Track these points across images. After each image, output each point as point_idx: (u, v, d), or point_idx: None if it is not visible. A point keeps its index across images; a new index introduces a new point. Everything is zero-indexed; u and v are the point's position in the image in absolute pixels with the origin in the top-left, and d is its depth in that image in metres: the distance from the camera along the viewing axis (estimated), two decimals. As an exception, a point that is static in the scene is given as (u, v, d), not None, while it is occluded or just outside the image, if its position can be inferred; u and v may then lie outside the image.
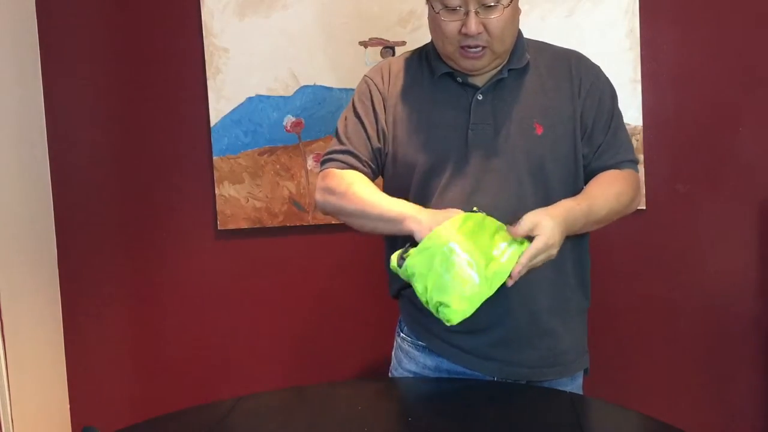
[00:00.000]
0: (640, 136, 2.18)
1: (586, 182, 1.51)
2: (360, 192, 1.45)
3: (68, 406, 2.43)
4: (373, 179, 1.53)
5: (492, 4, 1.36)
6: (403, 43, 2.19)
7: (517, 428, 1.23)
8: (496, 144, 1.44)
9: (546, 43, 1.56)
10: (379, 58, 2.18)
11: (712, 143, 2.20)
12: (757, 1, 2.16)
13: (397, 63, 1.56)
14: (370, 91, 1.54)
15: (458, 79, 1.47)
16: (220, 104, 2.28)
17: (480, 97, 1.45)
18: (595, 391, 1.62)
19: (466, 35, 1.37)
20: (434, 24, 1.43)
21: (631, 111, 2.17)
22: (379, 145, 1.52)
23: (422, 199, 1.47)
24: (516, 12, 1.43)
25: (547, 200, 1.44)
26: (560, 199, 1.45)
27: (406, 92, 1.51)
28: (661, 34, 2.18)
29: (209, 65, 2.27)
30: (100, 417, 2.38)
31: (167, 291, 2.39)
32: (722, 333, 2.25)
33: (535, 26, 2.15)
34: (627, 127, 2.13)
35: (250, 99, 2.27)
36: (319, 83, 2.25)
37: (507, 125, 1.45)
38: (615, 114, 1.53)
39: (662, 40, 2.19)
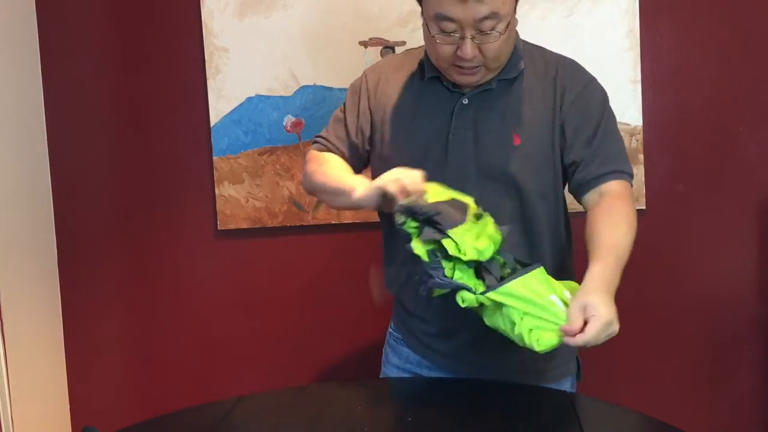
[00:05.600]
0: (640, 136, 2.18)
1: (574, 194, 1.48)
2: (328, 169, 1.50)
3: (68, 406, 2.43)
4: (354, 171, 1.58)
5: (488, 31, 1.33)
6: (403, 42, 2.19)
7: (517, 428, 1.23)
8: (473, 151, 1.43)
9: (542, 50, 1.52)
10: (379, 59, 2.18)
11: (712, 143, 2.20)
12: (757, 1, 2.16)
13: (394, 62, 1.57)
14: (360, 88, 1.56)
15: (443, 83, 1.46)
16: (220, 104, 2.28)
17: (465, 101, 1.44)
18: (594, 392, 1.62)
19: (461, 58, 1.36)
20: (429, 42, 1.41)
21: (631, 111, 2.17)
22: (356, 142, 1.55)
23: None
24: (512, 31, 1.40)
25: (523, 212, 1.44)
26: (536, 211, 1.45)
27: (397, 92, 1.51)
28: (661, 34, 2.18)
29: (209, 65, 2.27)
30: (100, 417, 2.38)
31: (167, 291, 2.39)
32: (722, 333, 2.26)
33: (535, 26, 2.15)
34: (627, 127, 2.16)
35: (250, 99, 2.27)
36: (319, 83, 2.25)
37: (486, 133, 1.43)
38: (602, 124, 1.46)
39: (662, 40, 2.19)
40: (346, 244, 2.28)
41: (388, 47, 2.21)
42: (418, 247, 1.25)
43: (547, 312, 1.22)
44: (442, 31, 1.35)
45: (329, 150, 1.58)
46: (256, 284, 2.36)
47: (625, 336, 2.28)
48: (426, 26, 1.39)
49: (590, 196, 1.45)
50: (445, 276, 1.24)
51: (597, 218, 1.40)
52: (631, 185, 1.48)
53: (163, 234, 2.37)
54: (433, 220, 1.25)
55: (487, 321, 1.28)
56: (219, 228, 2.33)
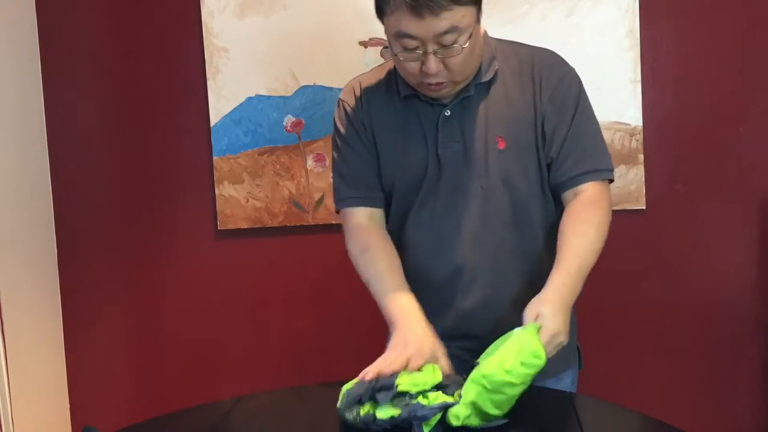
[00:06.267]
0: (640, 136, 2.18)
1: (553, 193, 1.46)
2: (371, 264, 1.46)
3: (68, 406, 2.43)
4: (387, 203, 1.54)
5: (451, 45, 1.31)
6: (403, 43, 2.19)
7: (516, 428, 1.23)
8: (465, 161, 1.42)
9: (516, 45, 1.49)
10: (379, 58, 2.18)
11: (712, 143, 2.20)
12: (757, 0, 2.16)
13: (366, 82, 1.53)
14: (348, 114, 1.52)
15: (422, 98, 1.44)
16: (220, 104, 2.28)
17: (447, 113, 1.43)
18: (594, 392, 1.61)
19: (427, 74, 1.34)
20: (395, 61, 1.39)
21: (631, 111, 2.17)
22: (376, 162, 1.50)
23: (401, 215, 1.49)
24: (476, 42, 1.36)
25: (516, 215, 1.43)
26: (529, 213, 1.44)
27: (379, 113, 1.49)
28: (661, 34, 2.18)
29: (209, 65, 2.27)
30: (100, 417, 2.38)
31: (167, 291, 2.39)
32: (722, 333, 2.25)
33: (535, 26, 2.16)
34: (627, 127, 2.16)
35: (250, 99, 2.27)
36: (319, 83, 2.25)
37: (473, 141, 1.42)
38: (575, 118, 1.42)
39: (662, 40, 2.19)
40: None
41: (388, 47, 2.21)
42: (386, 411, 1.20)
43: (512, 339, 1.21)
44: (405, 49, 1.33)
45: (367, 199, 1.50)
46: (256, 284, 2.36)
47: (626, 336, 2.29)
48: (390, 46, 1.37)
49: (566, 196, 1.43)
50: (425, 406, 1.18)
51: (565, 224, 1.38)
52: (610, 180, 1.45)
53: (163, 234, 2.37)
54: (377, 390, 1.21)
55: (492, 408, 1.19)
56: (219, 228, 2.33)
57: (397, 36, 1.32)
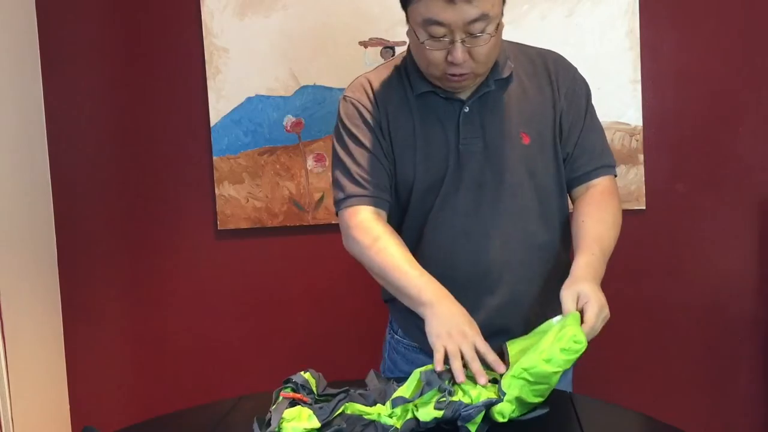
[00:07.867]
0: (640, 136, 2.18)
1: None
2: (385, 251, 1.39)
3: (68, 406, 2.43)
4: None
5: (478, 34, 1.31)
6: (403, 42, 2.19)
7: (516, 427, 1.23)
8: (488, 157, 1.42)
9: (522, 46, 1.51)
10: (379, 58, 2.18)
11: (712, 143, 2.21)
12: (757, 1, 2.16)
13: (376, 80, 1.50)
14: (360, 113, 1.46)
15: (439, 94, 1.44)
16: (220, 104, 2.28)
17: (467, 110, 1.43)
18: (594, 391, 1.62)
19: (452, 63, 1.33)
20: (418, 50, 1.38)
21: (631, 111, 2.17)
22: (389, 169, 1.47)
23: (420, 215, 1.47)
24: (500, 33, 1.37)
25: (543, 210, 1.45)
26: (553, 207, 1.46)
27: (393, 110, 1.46)
28: (661, 34, 2.18)
29: (209, 65, 2.27)
30: (100, 417, 2.38)
31: (167, 291, 2.39)
32: (722, 333, 2.26)
33: (535, 26, 2.15)
34: (627, 127, 2.16)
35: (249, 99, 2.27)
36: (319, 83, 2.25)
37: (496, 137, 1.43)
38: (587, 116, 1.48)
39: (662, 40, 2.19)
40: (346, 244, 2.28)
41: (388, 47, 2.21)
42: (427, 413, 1.17)
43: (551, 329, 1.22)
44: (432, 37, 1.32)
45: (376, 198, 1.44)
46: (256, 284, 2.36)
47: (625, 335, 2.29)
48: (414, 33, 1.36)
49: (579, 190, 1.48)
50: (468, 404, 1.16)
51: (584, 212, 1.43)
52: (616, 175, 1.51)
53: (163, 234, 2.37)
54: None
55: (535, 398, 1.20)
56: (219, 228, 2.33)
57: (425, 23, 1.32)
